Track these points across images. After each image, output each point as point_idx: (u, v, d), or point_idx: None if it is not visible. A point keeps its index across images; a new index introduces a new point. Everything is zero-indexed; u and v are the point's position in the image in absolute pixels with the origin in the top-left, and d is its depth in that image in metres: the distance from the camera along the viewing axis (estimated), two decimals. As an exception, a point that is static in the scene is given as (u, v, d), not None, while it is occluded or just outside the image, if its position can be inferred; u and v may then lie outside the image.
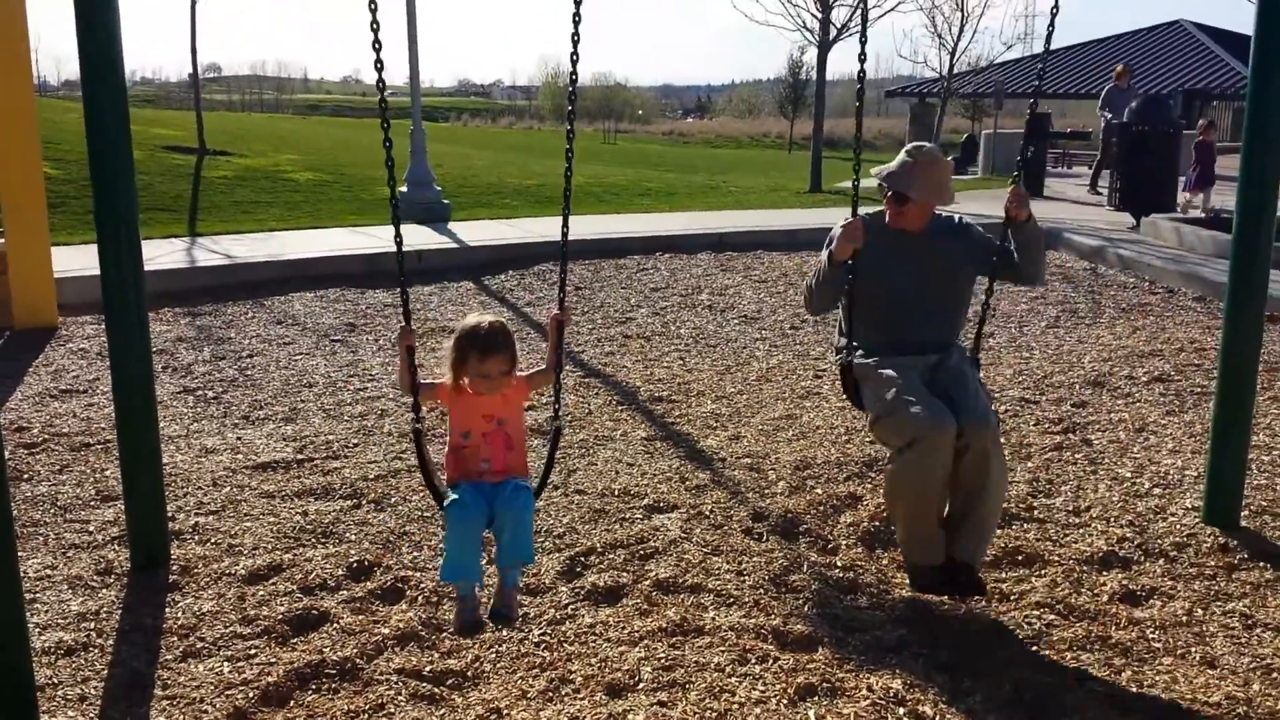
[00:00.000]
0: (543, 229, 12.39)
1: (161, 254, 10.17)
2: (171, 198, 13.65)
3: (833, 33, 19.15)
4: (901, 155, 4.02)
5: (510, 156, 26.24)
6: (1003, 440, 5.54)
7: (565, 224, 3.49)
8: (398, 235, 3.28)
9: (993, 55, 33.95)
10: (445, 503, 3.16)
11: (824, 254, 4.00)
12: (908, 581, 3.95)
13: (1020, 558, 4.21)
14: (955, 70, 25.60)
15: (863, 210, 3.90)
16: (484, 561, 3.12)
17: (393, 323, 8.38)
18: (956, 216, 4.17)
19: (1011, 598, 3.90)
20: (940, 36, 25.48)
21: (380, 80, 3.18)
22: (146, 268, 4.11)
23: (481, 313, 3.52)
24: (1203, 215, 13.42)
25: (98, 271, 3.98)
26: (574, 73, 3.34)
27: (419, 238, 11.68)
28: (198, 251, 10.70)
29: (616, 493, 4.86)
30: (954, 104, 31.00)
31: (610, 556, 4.19)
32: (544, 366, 3.45)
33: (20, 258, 7.86)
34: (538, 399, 6.12)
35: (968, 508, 3.73)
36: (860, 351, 4.02)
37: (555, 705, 3.20)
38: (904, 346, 3.94)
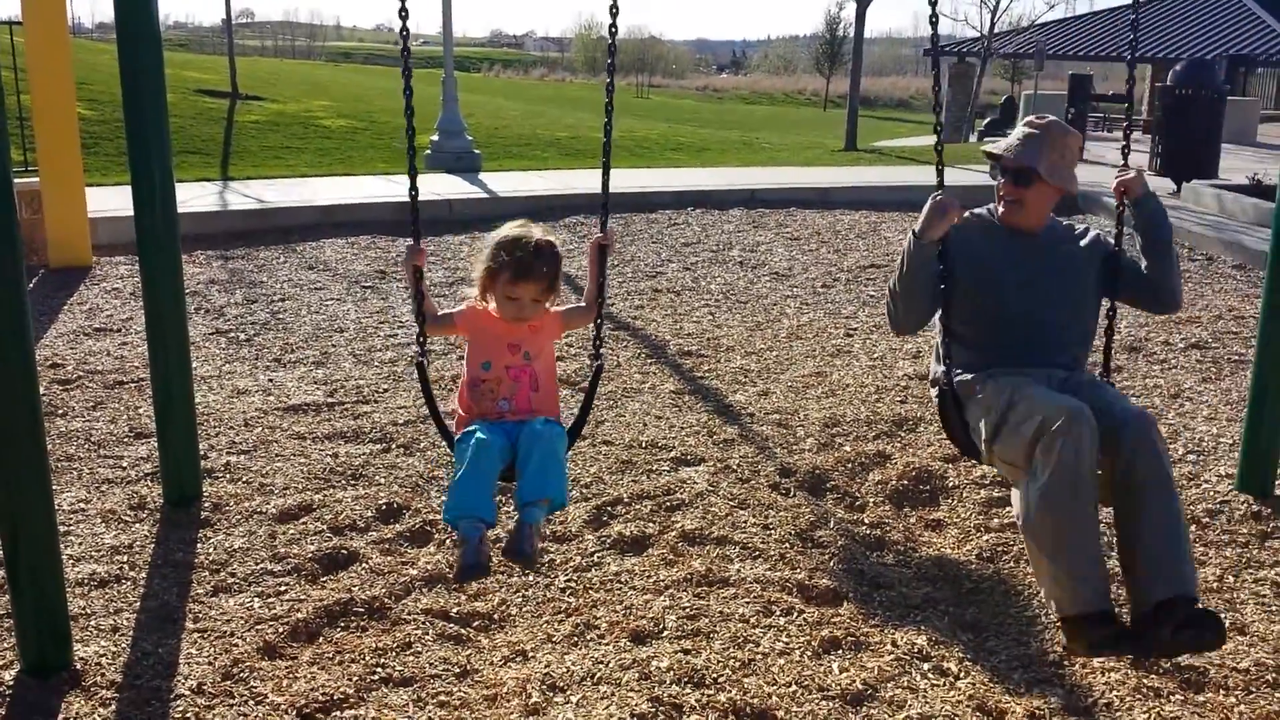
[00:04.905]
0: (574, 180, 12.33)
1: (194, 196, 10.20)
2: (203, 141, 13.68)
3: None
4: (1022, 126, 3.28)
5: (541, 108, 26.10)
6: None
7: (608, 130, 2.99)
8: (410, 128, 2.94)
9: (1034, 15, 33.32)
10: (457, 437, 2.73)
11: (907, 240, 3.25)
12: (1067, 648, 2.94)
13: (1049, 520, 4.17)
14: (996, 29, 25.17)
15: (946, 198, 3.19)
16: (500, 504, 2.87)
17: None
18: (1075, 223, 3.50)
19: (1039, 559, 3.87)
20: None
21: (404, 28, 2.92)
22: (179, 210, 4.10)
23: (531, 223, 2.86)
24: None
25: (131, 212, 3.98)
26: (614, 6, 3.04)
27: (449, 186, 11.66)
28: (229, 195, 10.73)
29: (644, 444, 4.86)
30: (993, 65, 30.49)
31: (637, 507, 4.19)
32: (583, 303, 3.01)
33: (54, 197, 7.90)
34: (568, 345, 6.12)
35: (1149, 525, 2.82)
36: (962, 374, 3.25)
37: (580, 650, 3.22)
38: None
